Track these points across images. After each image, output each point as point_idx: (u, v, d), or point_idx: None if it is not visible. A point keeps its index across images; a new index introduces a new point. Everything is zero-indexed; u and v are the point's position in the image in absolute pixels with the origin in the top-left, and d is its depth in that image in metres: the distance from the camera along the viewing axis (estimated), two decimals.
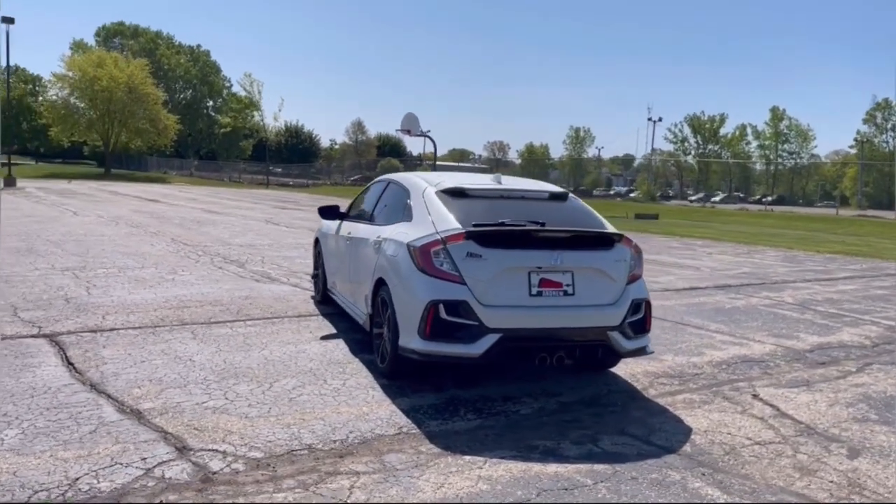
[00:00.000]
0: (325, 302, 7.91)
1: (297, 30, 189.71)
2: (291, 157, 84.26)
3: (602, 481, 3.83)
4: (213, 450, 3.99)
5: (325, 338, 6.58)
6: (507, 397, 5.16)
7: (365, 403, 4.87)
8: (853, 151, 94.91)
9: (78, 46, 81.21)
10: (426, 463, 3.97)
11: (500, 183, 5.93)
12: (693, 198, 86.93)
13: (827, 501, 3.75)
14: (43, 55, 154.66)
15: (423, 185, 5.75)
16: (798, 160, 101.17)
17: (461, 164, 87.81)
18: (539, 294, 4.93)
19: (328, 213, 7.47)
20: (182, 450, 3.97)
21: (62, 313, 7.07)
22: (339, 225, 7.29)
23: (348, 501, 3.47)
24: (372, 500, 3.50)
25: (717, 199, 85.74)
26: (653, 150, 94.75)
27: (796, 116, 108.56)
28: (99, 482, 3.53)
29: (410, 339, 4.94)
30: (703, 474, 4.00)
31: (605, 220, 5.69)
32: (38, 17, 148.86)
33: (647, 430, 4.64)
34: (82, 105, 67.71)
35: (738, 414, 5.04)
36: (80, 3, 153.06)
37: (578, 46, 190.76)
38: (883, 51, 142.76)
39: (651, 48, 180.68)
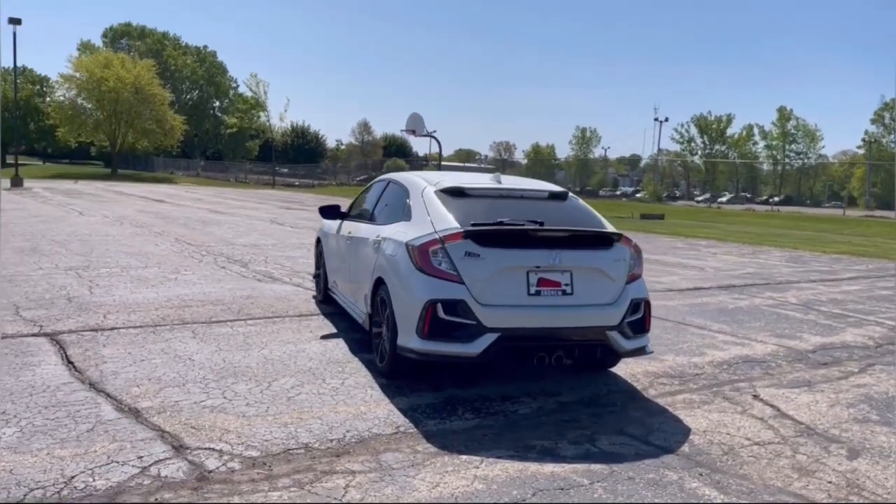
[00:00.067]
0: (327, 301, 7.92)
1: (302, 30, 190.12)
2: (298, 157, 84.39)
3: (599, 481, 3.82)
4: (209, 448, 3.99)
5: (325, 337, 6.58)
6: (506, 397, 5.15)
7: (363, 403, 4.87)
8: (861, 152, 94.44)
9: (85, 47, 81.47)
10: (422, 462, 3.97)
11: (499, 182, 5.92)
12: (700, 198, 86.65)
13: (825, 502, 3.73)
14: (50, 56, 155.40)
15: (423, 185, 5.74)
16: (805, 160, 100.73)
17: (467, 165, 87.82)
18: (537, 293, 4.92)
19: (329, 212, 7.48)
20: (179, 448, 3.98)
21: (64, 312, 7.09)
22: (340, 224, 7.29)
23: (343, 500, 3.47)
24: (367, 499, 3.50)
25: (723, 199, 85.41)
26: (659, 150, 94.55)
27: (804, 116, 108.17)
28: (95, 480, 3.53)
29: (409, 339, 4.93)
30: (701, 474, 3.98)
31: (604, 220, 5.68)
32: (46, 18, 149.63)
33: (646, 431, 4.63)
34: (89, 106, 68.01)
35: (737, 414, 5.02)
36: (88, 5, 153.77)
37: (584, 46, 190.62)
38: (891, 51, 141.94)
39: (657, 48, 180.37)
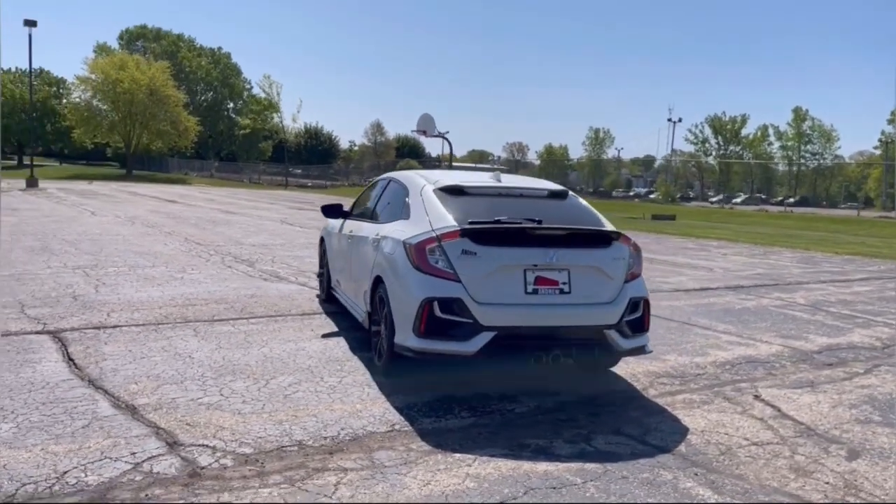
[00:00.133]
0: (330, 300, 7.93)
1: (315, 32, 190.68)
2: (311, 158, 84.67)
3: (592, 480, 3.80)
4: (203, 445, 4.00)
5: (326, 336, 6.59)
6: (504, 396, 5.13)
7: (359, 401, 4.86)
8: (878, 152, 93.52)
9: (102, 49, 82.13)
10: (415, 460, 3.96)
11: (499, 181, 5.90)
12: (714, 199, 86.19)
13: (821, 502, 3.69)
14: (68, 58, 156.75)
15: (422, 183, 5.73)
16: (821, 161, 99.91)
17: (479, 165, 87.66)
18: (535, 292, 4.90)
19: (332, 211, 7.48)
20: (172, 445, 3.99)
21: (68, 310, 7.14)
22: (343, 223, 7.30)
23: (333, 498, 3.46)
24: (357, 496, 3.49)
25: (738, 200, 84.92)
26: (672, 151, 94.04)
27: (819, 117, 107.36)
28: (87, 476, 3.55)
29: (406, 337, 4.92)
30: (696, 474, 3.95)
31: (603, 219, 5.64)
32: (64, 21, 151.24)
33: (643, 430, 4.60)
34: (104, 107, 68.61)
35: (737, 414, 4.98)
36: (105, 8, 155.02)
37: (597, 47, 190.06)
38: None
39: (672, 49, 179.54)
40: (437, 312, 4.78)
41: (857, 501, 3.71)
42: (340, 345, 6.29)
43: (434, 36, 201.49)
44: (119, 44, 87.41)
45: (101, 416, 4.35)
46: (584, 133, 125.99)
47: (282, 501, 3.39)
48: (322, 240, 8.46)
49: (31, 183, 37.47)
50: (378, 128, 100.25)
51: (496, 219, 5.11)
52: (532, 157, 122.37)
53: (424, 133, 29.41)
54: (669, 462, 4.10)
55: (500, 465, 3.93)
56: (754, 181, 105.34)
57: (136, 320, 6.86)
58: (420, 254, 4.93)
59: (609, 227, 5.45)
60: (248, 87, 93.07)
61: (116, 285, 8.70)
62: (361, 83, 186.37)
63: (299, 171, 77.39)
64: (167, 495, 3.41)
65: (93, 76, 67.07)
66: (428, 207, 5.36)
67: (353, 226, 6.84)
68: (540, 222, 5.12)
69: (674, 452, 4.24)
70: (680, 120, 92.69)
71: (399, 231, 5.39)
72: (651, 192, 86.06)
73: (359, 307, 6.28)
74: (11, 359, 5.41)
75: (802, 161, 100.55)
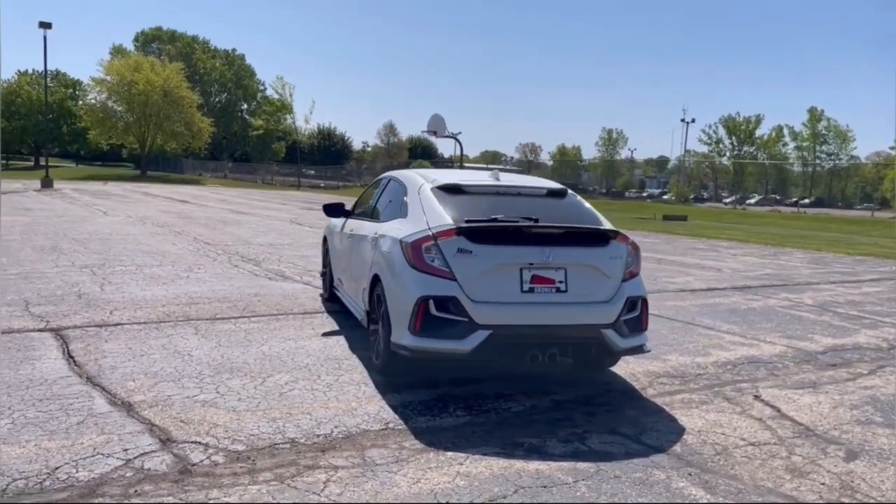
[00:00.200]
0: (332, 300, 7.94)
1: (327, 34, 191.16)
2: (324, 159, 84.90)
3: (583, 479, 3.77)
4: (195, 442, 4.01)
5: (326, 334, 6.59)
6: (501, 394, 5.11)
7: (355, 399, 4.86)
8: (894, 153, 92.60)
9: (117, 51, 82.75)
10: (407, 458, 3.95)
11: (497, 179, 5.88)
12: (727, 200, 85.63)
13: (815, 503, 3.65)
14: (85, 60, 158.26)
15: (420, 182, 5.73)
16: (837, 162, 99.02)
17: (491, 166, 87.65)
18: (531, 290, 4.88)
19: (333, 210, 7.48)
20: (165, 442, 4.00)
21: (72, 308, 7.19)
22: (344, 222, 7.31)
23: (322, 495, 3.46)
24: (345, 493, 3.49)
25: (752, 201, 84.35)
26: (685, 151, 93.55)
27: (835, 117, 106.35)
28: (77, 472, 3.57)
29: (402, 335, 4.92)
30: (690, 474, 3.92)
31: (602, 218, 5.61)
32: (81, 23, 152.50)
33: (639, 430, 4.56)
34: (119, 108, 69.11)
35: (735, 415, 4.93)
36: (121, 10, 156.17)
37: (610, 48, 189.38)
38: None
39: (685, 49, 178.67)
40: (433, 311, 4.77)
41: (853, 502, 3.67)
42: (340, 343, 6.29)
43: (446, 37, 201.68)
44: (135, 46, 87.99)
45: (96, 412, 4.37)
46: (598, 134, 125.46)
47: (270, 499, 3.40)
48: (325, 239, 8.48)
49: (46, 183, 37.81)
50: (391, 129, 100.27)
51: (492, 217, 5.09)
52: (545, 157, 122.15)
53: (435, 134, 29.42)
54: (663, 462, 4.07)
55: (491, 464, 3.91)
56: (769, 182, 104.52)
57: (139, 318, 6.89)
58: (416, 252, 4.92)
59: (607, 225, 5.42)
60: (261, 88, 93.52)
61: (122, 284, 8.75)
62: (374, 85, 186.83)
63: (312, 171, 77.63)
64: (156, 491, 3.42)
65: (108, 78, 67.67)
66: (425, 206, 5.35)
67: (354, 225, 6.85)
68: (537, 221, 5.10)
69: (668, 452, 4.21)
70: (693, 120, 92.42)
71: (396, 229, 5.39)
72: (664, 193, 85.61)
73: (358, 306, 6.28)
74: (12, 356, 5.45)
75: (818, 162, 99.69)
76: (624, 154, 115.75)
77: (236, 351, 5.87)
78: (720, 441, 4.42)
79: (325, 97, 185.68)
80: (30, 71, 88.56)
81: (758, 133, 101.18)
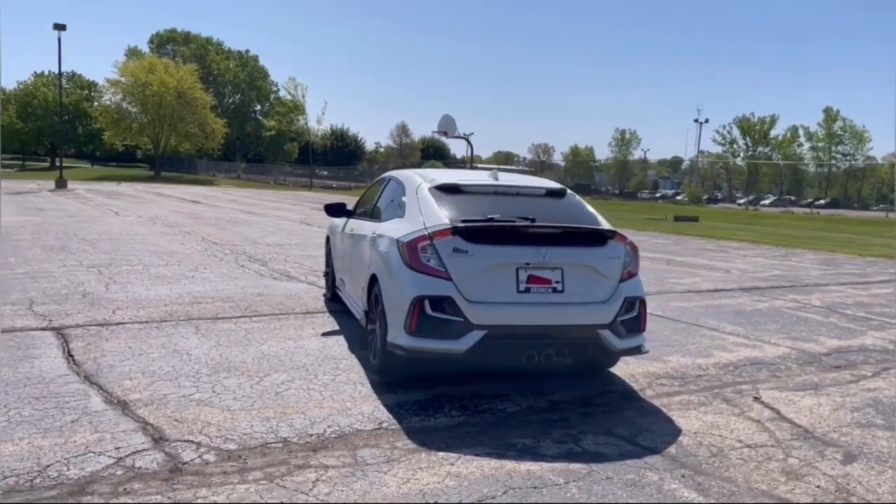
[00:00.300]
0: (335, 300, 7.94)
1: (340, 36, 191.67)
2: (337, 160, 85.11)
3: (574, 481, 3.75)
4: (188, 441, 4.02)
5: (326, 334, 6.60)
6: (497, 395, 5.09)
7: (350, 399, 4.86)
8: None
9: (133, 53, 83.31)
10: (398, 458, 3.94)
11: (496, 179, 5.86)
12: (741, 201, 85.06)
13: None
14: (101, 62, 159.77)
15: (418, 182, 5.72)
16: (852, 162, 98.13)
17: (503, 167, 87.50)
18: (527, 291, 4.86)
19: (335, 210, 7.47)
20: (158, 440, 4.02)
21: (75, 307, 7.24)
22: (346, 222, 7.31)
23: (310, 494, 3.46)
24: (334, 493, 3.48)
25: (766, 202, 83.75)
26: (699, 152, 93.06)
27: (851, 118, 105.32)
28: (68, 469, 3.58)
29: (397, 335, 4.91)
30: (683, 476, 3.88)
31: (601, 218, 5.58)
32: (97, 25, 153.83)
33: (635, 431, 4.53)
34: (134, 110, 69.60)
35: (733, 416, 4.89)
36: (136, 12, 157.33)
37: (623, 48, 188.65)
38: None
39: (700, 50, 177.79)
40: (428, 311, 4.76)
41: None
42: (339, 343, 6.30)
43: (460, 38, 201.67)
44: (150, 47, 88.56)
45: (91, 411, 4.39)
46: (611, 134, 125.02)
47: (258, 498, 3.40)
48: (328, 239, 8.49)
49: (60, 184, 38.12)
50: (403, 129, 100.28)
51: (489, 217, 5.07)
52: (557, 158, 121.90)
53: (445, 134, 29.41)
54: (657, 463, 4.03)
55: (482, 465, 3.90)
56: (784, 183, 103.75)
57: (141, 317, 6.93)
58: (412, 252, 4.92)
59: (605, 225, 5.39)
60: (274, 89, 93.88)
61: (127, 283, 8.80)
62: (387, 85, 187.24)
63: (325, 172, 77.84)
64: (145, 490, 3.43)
65: (122, 79, 68.15)
66: (422, 206, 5.34)
67: (355, 224, 6.85)
68: (533, 220, 5.08)
69: (663, 454, 4.18)
70: (707, 121, 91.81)
71: (393, 229, 5.38)
72: (678, 194, 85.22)
73: (358, 305, 6.29)
74: (12, 354, 5.49)
75: (833, 162, 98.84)
76: (637, 155, 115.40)
77: (235, 350, 5.88)
78: (716, 443, 4.38)
79: (337, 98, 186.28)
80: (46, 72, 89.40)
81: (772, 133, 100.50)
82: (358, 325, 6.65)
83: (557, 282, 4.91)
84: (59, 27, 38.36)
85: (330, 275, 8.16)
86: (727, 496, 3.66)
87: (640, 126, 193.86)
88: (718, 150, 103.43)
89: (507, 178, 6.13)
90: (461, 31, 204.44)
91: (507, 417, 4.69)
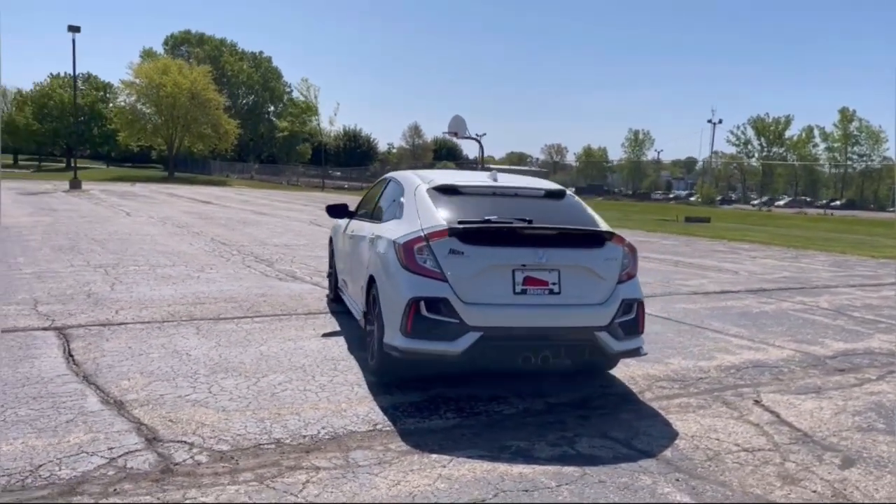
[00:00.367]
0: (337, 300, 7.94)
1: (351, 36, 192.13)
2: (349, 160, 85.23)
3: (567, 484, 3.72)
4: (181, 441, 4.03)
5: (326, 335, 6.60)
6: (494, 397, 5.07)
7: (346, 400, 4.85)
8: None
9: (147, 55, 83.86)
10: (391, 461, 3.93)
11: (495, 180, 5.84)
12: (755, 201, 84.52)
13: None
14: (117, 64, 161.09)
15: (416, 183, 5.71)
16: (869, 163, 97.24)
17: (515, 167, 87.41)
18: (523, 292, 4.83)
19: (337, 211, 7.47)
20: (151, 441, 4.03)
21: (79, 307, 7.28)
22: (347, 223, 7.32)
23: (299, 496, 3.45)
24: (323, 495, 3.48)
25: (781, 202, 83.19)
26: (712, 152, 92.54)
27: (867, 118, 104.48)
28: (60, 469, 3.60)
29: (393, 336, 4.90)
30: (677, 480, 3.85)
31: (599, 219, 5.54)
32: (112, 27, 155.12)
33: (631, 434, 4.50)
34: (148, 111, 70.08)
35: (732, 419, 4.84)
36: (151, 14, 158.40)
37: (638, 49, 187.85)
38: None
39: (714, 50, 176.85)
40: (424, 312, 4.74)
41: None
42: (339, 344, 6.30)
43: (473, 39, 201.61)
44: (164, 49, 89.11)
45: (87, 411, 4.41)
46: (624, 135, 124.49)
47: (247, 499, 3.40)
48: (331, 240, 8.50)
49: (75, 185, 38.43)
50: (416, 130, 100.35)
51: (485, 218, 5.05)
52: (570, 158, 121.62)
53: (456, 135, 29.39)
54: (651, 467, 4.00)
55: (475, 467, 3.88)
56: (798, 184, 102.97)
57: (143, 318, 6.96)
58: (408, 253, 4.90)
59: (603, 227, 5.36)
60: (288, 90, 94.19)
61: (132, 283, 8.85)
62: (400, 86, 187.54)
63: (338, 173, 77.99)
64: (135, 490, 3.44)
65: (137, 80, 68.62)
66: (419, 207, 5.33)
67: (356, 226, 6.85)
68: (531, 222, 5.05)
69: (658, 457, 4.14)
70: (720, 121, 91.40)
71: (391, 230, 5.37)
72: (691, 195, 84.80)
73: (357, 306, 6.28)
74: (13, 354, 5.53)
75: (849, 163, 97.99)
76: (650, 155, 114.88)
77: (234, 351, 5.89)
78: (713, 446, 4.34)
79: (350, 99, 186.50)
80: (62, 74, 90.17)
81: (787, 134, 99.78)
82: (358, 326, 6.65)
83: (554, 283, 4.88)
84: (74, 29, 38.66)
85: (333, 276, 8.17)
86: (721, 500, 3.62)
87: (653, 127, 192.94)
88: (733, 150, 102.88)
89: (506, 180, 6.11)
90: (475, 33, 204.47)
91: (502, 419, 4.67)
